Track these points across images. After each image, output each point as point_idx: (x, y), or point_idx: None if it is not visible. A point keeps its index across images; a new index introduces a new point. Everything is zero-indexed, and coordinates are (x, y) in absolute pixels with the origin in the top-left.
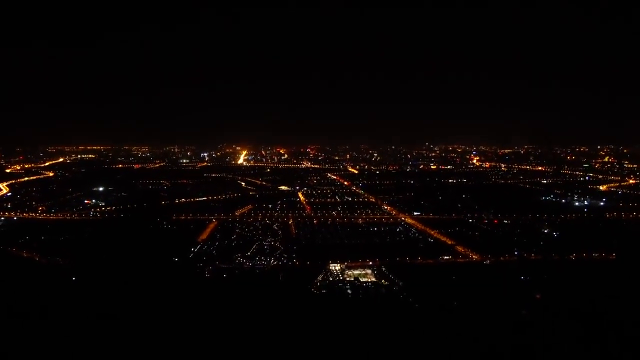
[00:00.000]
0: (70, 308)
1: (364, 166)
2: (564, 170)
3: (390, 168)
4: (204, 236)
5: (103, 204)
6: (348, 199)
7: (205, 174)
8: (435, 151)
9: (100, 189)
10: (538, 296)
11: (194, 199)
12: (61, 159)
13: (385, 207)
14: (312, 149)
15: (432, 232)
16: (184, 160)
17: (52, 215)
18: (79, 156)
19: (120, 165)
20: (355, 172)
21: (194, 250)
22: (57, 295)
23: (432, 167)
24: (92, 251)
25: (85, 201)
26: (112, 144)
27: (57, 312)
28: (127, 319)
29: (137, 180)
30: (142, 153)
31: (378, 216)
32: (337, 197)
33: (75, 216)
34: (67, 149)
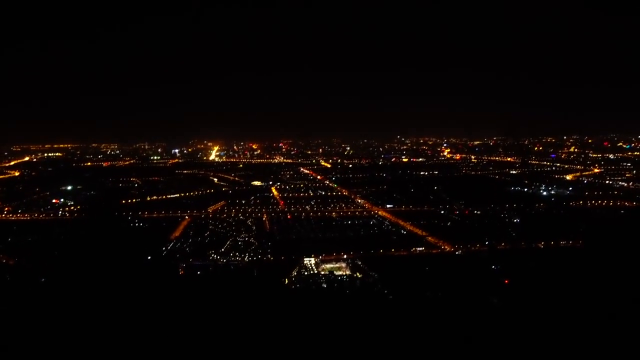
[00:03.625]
0: (39, 309)
1: (337, 160)
2: (532, 160)
3: (363, 161)
4: (176, 233)
5: (72, 203)
6: (321, 193)
7: (176, 171)
8: (406, 144)
9: (69, 187)
10: (506, 281)
11: (165, 196)
12: (27, 158)
13: (359, 201)
14: (284, 144)
15: (405, 224)
16: (155, 157)
17: (19, 216)
18: (45, 155)
19: (88, 164)
20: (328, 166)
21: (166, 248)
22: (25, 297)
23: (404, 159)
24: (61, 252)
25: (53, 200)
26: (79, 142)
27: (26, 313)
28: (99, 318)
29: (106, 178)
30: (111, 150)
31: (352, 209)
32: (310, 192)
33: (43, 216)
34: (32, 147)
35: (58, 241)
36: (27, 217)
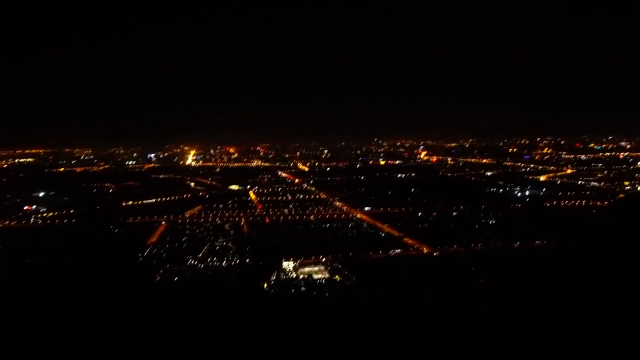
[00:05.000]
0: (8, 319)
1: (315, 163)
2: (507, 162)
3: (341, 164)
4: (153, 239)
5: (44, 209)
6: (300, 197)
7: (152, 175)
8: (384, 146)
9: (41, 194)
10: (482, 281)
11: (141, 202)
12: None
13: (337, 203)
14: (262, 147)
15: (383, 227)
16: (130, 162)
17: None
18: (16, 160)
19: (61, 169)
20: (306, 169)
21: (143, 254)
22: None
23: (381, 162)
24: (33, 259)
25: (25, 207)
26: (52, 147)
27: None
28: (71, 327)
29: (80, 184)
30: (85, 155)
31: (330, 212)
32: (288, 195)
33: (14, 223)
34: (3, 153)
35: (29, 249)
36: None
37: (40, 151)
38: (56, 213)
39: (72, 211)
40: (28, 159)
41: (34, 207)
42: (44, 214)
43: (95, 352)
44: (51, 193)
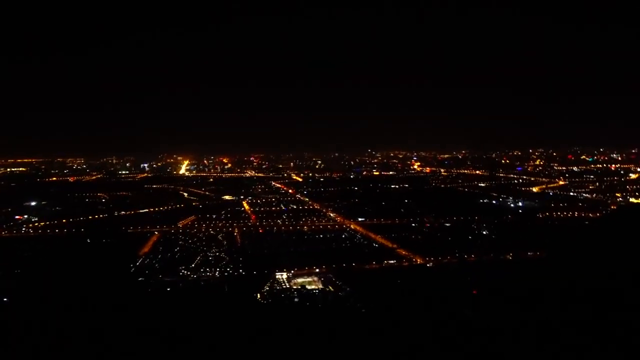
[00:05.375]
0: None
1: (308, 174)
2: (499, 173)
3: (334, 175)
4: (145, 249)
5: (36, 219)
6: (293, 207)
7: (145, 185)
8: (377, 157)
9: (33, 203)
10: (474, 292)
11: (134, 211)
12: None
13: (330, 214)
14: (255, 158)
15: (377, 237)
16: (123, 172)
17: None
18: (8, 170)
19: (54, 178)
20: (300, 179)
21: (135, 264)
22: None
23: (374, 173)
24: (23, 269)
25: (17, 217)
26: (44, 157)
27: None
28: (62, 339)
29: (72, 194)
30: (78, 165)
31: (323, 223)
32: (282, 206)
33: (5, 233)
34: None
35: (19, 259)
36: None
37: (33, 160)
38: (48, 223)
39: (64, 221)
40: (20, 168)
41: (25, 216)
42: (36, 224)
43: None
44: (43, 202)
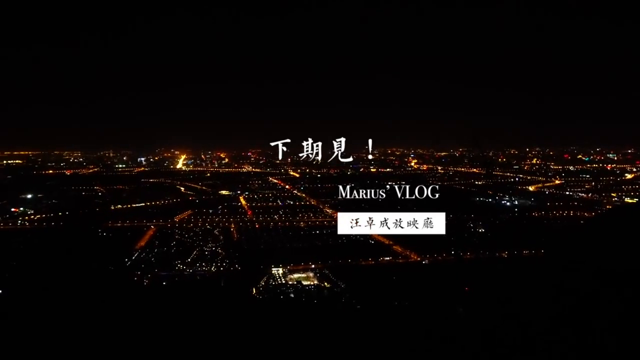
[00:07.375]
0: None
1: (306, 169)
2: (496, 171)
3: (332, 171)
4: (141, 243)
5: (32, 212)
6: (290, 203)
7: (142, 179)
8: (374, 154)
9: (29, 196)
10: (467, 289)
11: (130, 205)
12: None
13: (327, 210)
14: (253, 153)
15: (373, 234)
16: (120, 165)
17: None
18: (4, 162)
19: (50, 171)
20: (297, 175)
21: (131, 258)
22: None
23: (372, 169)
24: (18, 262)
25: (12, 209)
26: (41, 149)
27: None
28: (57, 332)
29: (69, 187)
30: (75, 158)
31: (320, 219)
32: (278, 201)
33: (0, 225)
34: None
35: (15, 251)
36: None
37: (29, 153)
38: (44, 215)
39: (60, 214)
40: (16, 161)
41: (21, 209)
42: (32, 216)
43: (80, 358)
44: (39, 195)
